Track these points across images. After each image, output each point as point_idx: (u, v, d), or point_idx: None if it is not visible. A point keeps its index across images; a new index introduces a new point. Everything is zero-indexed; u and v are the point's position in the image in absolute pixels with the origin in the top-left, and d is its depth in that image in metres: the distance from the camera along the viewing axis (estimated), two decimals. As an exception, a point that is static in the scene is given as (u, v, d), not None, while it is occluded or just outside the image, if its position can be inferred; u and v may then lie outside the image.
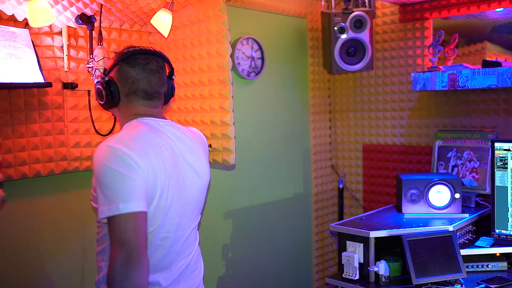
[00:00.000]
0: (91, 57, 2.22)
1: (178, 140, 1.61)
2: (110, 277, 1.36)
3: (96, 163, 1.43)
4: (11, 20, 2.10)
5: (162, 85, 1.65)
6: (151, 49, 1.63)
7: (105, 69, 1.62)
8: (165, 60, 1.66)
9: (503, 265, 2.21)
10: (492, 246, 2.24)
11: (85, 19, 2.18)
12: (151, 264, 1.53)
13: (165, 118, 1.66)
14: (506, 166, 2.23)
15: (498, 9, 2.66)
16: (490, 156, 2.60)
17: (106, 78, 1.58)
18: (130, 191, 1.39)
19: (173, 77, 1.72)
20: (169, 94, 1.72)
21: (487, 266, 2.20)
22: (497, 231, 2.26)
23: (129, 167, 1.40)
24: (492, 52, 2.74)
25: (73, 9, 2.13)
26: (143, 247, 1.39)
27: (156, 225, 1.52)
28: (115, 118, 2.39)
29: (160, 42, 2.57)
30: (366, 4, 3.08)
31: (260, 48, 2.98)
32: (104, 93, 1.59)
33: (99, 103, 1.66)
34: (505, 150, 2.23)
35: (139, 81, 1.57)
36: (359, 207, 3.44)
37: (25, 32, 2.09)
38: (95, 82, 1.66)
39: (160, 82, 1.63)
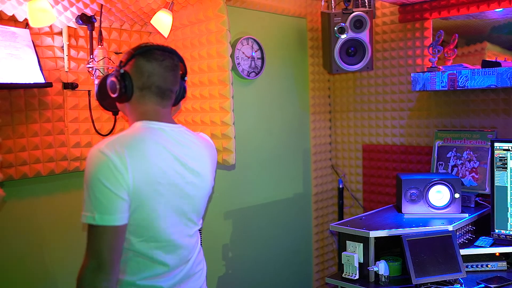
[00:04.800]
0: (91, 57, 2.23)
1: (181, 146, 1.58)
2: (78, 282, 1.40)
3: (86, 167, 1.44)
4: (12, 21, 2.10)
5: (176, 84, 1.62)
6: (168, 46, 1.61)
7: (120, 62, 1.57)
8: (180, 59, 1.65)
9: (503, 264, 2.21)
10: (492, 246, 2.24)
11: (85, 19, 2.18)
12: (151, 270, 1.54)
13: (173, 122, 1.63)
14: (506, 166, 2.24)
15: (497, 10, 2.66)
16: (489, 156, 2.61)
17: (122, 71, 1.55)
18: (109, 204, 1.39)
19: (186, 78, 1.69)
20: (180, 94, 1.69)
21: (487, 265, 2.21)
22: (496, 231, 2.26)
23: (114, 179, 1.40)
24: (492, 52, 2.74)
25: (73, 9, 2.14)
26: (114, 260, 1.42)
27: (150, 233, 1.51)
28: (115, 118, 2.39)
29: (160, 43, 2.57)
30: (366, 4, 3.08)
31: (260, 48, 2.98)
32: (118, 86, 1.55)
33: (112, 97, 1.61)
34: (504, 150, 2.24)
35: (154, 76, 1.55)
36: (359, 207, 3.44)
37: (25, 32, 2.09)
38: (106, 77, 1.62)
39: (174, 80, 1.61)
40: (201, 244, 1.76)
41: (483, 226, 2.45)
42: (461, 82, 2.55)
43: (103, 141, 1.46)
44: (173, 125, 1.61)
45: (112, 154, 1.41)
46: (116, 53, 2.49)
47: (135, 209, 1.46)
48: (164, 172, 1.51)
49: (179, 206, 1.57)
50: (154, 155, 1.50)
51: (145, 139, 1.51)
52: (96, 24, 2.22)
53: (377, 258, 2.19)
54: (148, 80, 1.56)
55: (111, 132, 2.40)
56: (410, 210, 2.46)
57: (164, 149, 1.54)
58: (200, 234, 1.77)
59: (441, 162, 2.83)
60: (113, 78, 1.57)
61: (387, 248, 2.32)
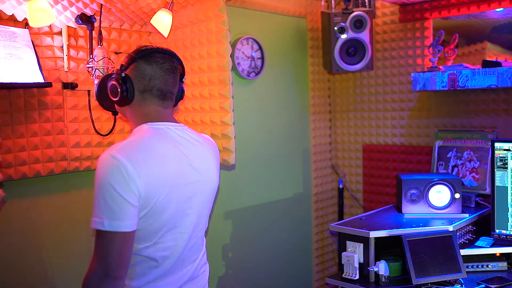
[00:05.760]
0: (91, 57, 2.22)
1: (187, 146, 1.59)
2: (84, 285, 1.41)
3: (97, 172, 1.43)
4: (11, 20, 2.10)
5: (176, 85, 1.63)
6: (167, 49, 1.62)
7: (121, 65, 1.58)
8: (179, 61, 1.66)
9: (503, 265, 2.21)
10: (492, 246, 2.24)
11: (85, 19, 2.18)
12: (158, 274, 1.54)
13: (176, 122, 1.64)
14: (506, 166, 2.23)
15: (498, 9, 2.66)
16: (490, 156, 2.60)
17: (123, 74, 1.56)
18: (119, 210, 1.39)
19: (184, 79, 1.71)
20: (179, 96, 1.71)
21: (487, 266, 2.20)
22: (497, 231, 2.26)
23: (126, 185, 1.39)
24: (492, 52, 2.74)
25: (73, 9, 2.13)
26: (122, 266, 1.42)
27: (158, 236, 1.51)
28: (115, 118, 2.39)
29: (160, 42, 2.56)
30: (366, 4, 3.08)
31: (260, 48, 2.98)
32: (119, 89, 1.56)
33: (113, 101, 1.61)
34: (505, 150, 2.23)
35: (155, 79, 1.56)
36: (359, 207, 3.44)
37: (25, 32, 2.09)
38: (106, 78, 1.63)
39: (174, 82, 1.62)
40: (205, 248, 1.75)
41: (483, 226, 2.44)
42: (461, 82, 2.55)
43: (114, 146, 1.46)
44: (176, 124, 1.62)
45: (124, 159, 1.41)
46: (116, 53, 2.49)
47: (145, 215, 1.46)
48: (175, 173, 1.51)
49: (188, 206, 1.56)
50: (165, 157, 1.50)
51: (154, 141, 1.51)
52: (96, 24, 2.22)
53: (377, 258, 2.19)
54: (150, 83, 1.56)
55: (110, 132, 2.39)
56: (410, 210, 2.46)
57: (173, 149, 1.54)
58: (205, 236, 1.77)
59: (441, 162, 2.83)
60: (114, 82, 1.58)
61: (387, 248, 2.32)
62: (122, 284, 1.44)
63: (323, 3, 3.17)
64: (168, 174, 1.49)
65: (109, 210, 1.39)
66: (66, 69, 2.27)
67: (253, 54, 2.95)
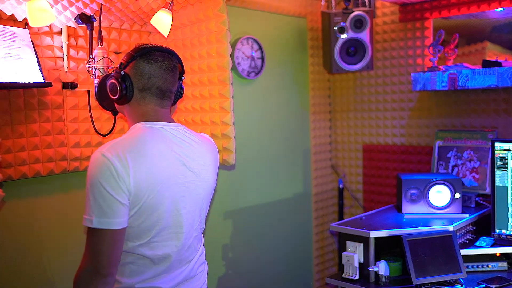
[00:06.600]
0: (91, 57, 2.22)
1: (182, 145, 1.59)
2: (74, 284, 1.42)
3: (88, 170, 1.45)
4: (11, 20, 2.09)
5: (174, 84, 1.64)
6: (167, 47, 1.62)
7: (121, 63, 1.59)
8: (179, 60, 1.66)
9: (503, 265, 2.20)
10: (492, 246, 2.24)
11: (85, 19, 2.17)
12: (151, 272, 1.54)
13: (173, 121, 1.64)
14: (506, 166, 2.23)
15: (498, 9, 2.66)
16: (490, 156, 2.60)
17: (122, 72, 1.56)
18: (108, 208, 1.40)
19: (183, 78, 1.71)
20: (178, 94, 1.71)
21: (487, 266, 2.20)
22: (497, 231, 2.26)
23: (115, 184, 1.41)
24: (492, 52, 2.74)
25: (73, 9, 2.13)
26: (112, 263, 1.43)
27: (151, 235, 1.51)
28: (115, 118, 2.38)
29: (160, 42, 2.56)
30: (366, 4, 3.08)
31: (260, 48, 2.98)
32: (118, 87, 1.56)
33: (112, 99, 1.62)
34: (505, 150, 2.23)
35: (154, 77, 1.57)
36: (359, 207, 3.44)
37: (25, 32, 2.09)
38: (106, 78, 1.63)
39: (173, 81, 1.62)
40: (203, 248, 1.75)
41: (483, 226, 2.44)
42: (461, 82, 2.55)
43: (105, 145, 1.47)
44: (172, 124, 1.61)
45: (114, 158, 1.42)
46: (115, 52, 2.49)
47: (136, 212, 1.46)
48: (167, 173, 1.51)
49: (181, 207, 1.56)
50: (157, 156, 1.50)
51: (147, 140, 1.52)
52: (96, 24, 2.22)
53: (377, 258, 2.19)
54: (149, 82, 1.57)
55: (110, 132, 2.39)
56: (410, 210, 2.45)
57: (166, 148, 1.54)
58: (204, 236, 1.76)
59: (441, 162, 2.83)
60: (113, 80, 1.59)
61: (387, 248, 2.32)
62: (112, 280, 1.45)
63: (323, 3, 3.17)
64: (159, 173, 1.49)
65: (99, 208, 1.40)
66: (66, 69, 2.27)
67: (253, 54, 2.95)
